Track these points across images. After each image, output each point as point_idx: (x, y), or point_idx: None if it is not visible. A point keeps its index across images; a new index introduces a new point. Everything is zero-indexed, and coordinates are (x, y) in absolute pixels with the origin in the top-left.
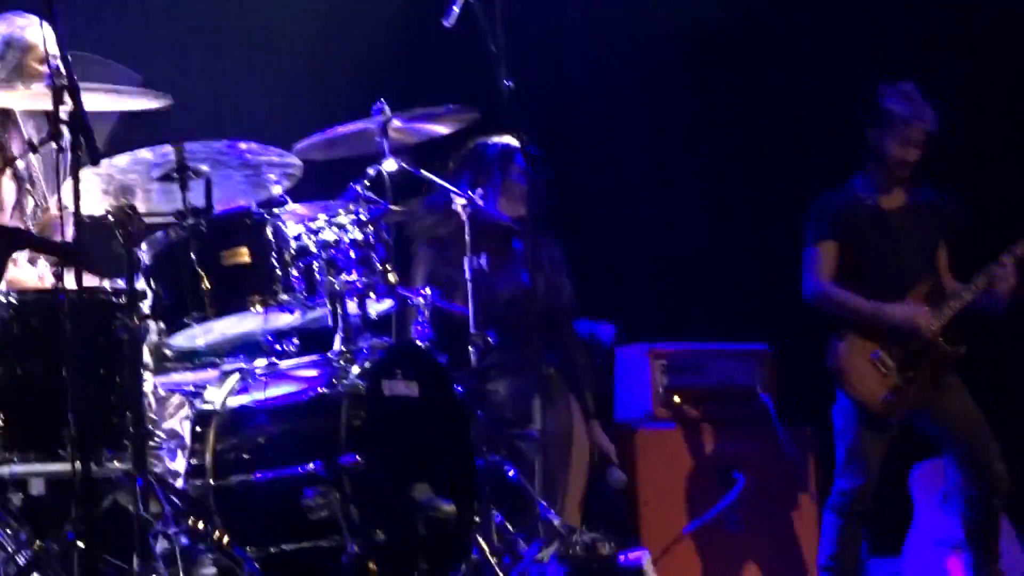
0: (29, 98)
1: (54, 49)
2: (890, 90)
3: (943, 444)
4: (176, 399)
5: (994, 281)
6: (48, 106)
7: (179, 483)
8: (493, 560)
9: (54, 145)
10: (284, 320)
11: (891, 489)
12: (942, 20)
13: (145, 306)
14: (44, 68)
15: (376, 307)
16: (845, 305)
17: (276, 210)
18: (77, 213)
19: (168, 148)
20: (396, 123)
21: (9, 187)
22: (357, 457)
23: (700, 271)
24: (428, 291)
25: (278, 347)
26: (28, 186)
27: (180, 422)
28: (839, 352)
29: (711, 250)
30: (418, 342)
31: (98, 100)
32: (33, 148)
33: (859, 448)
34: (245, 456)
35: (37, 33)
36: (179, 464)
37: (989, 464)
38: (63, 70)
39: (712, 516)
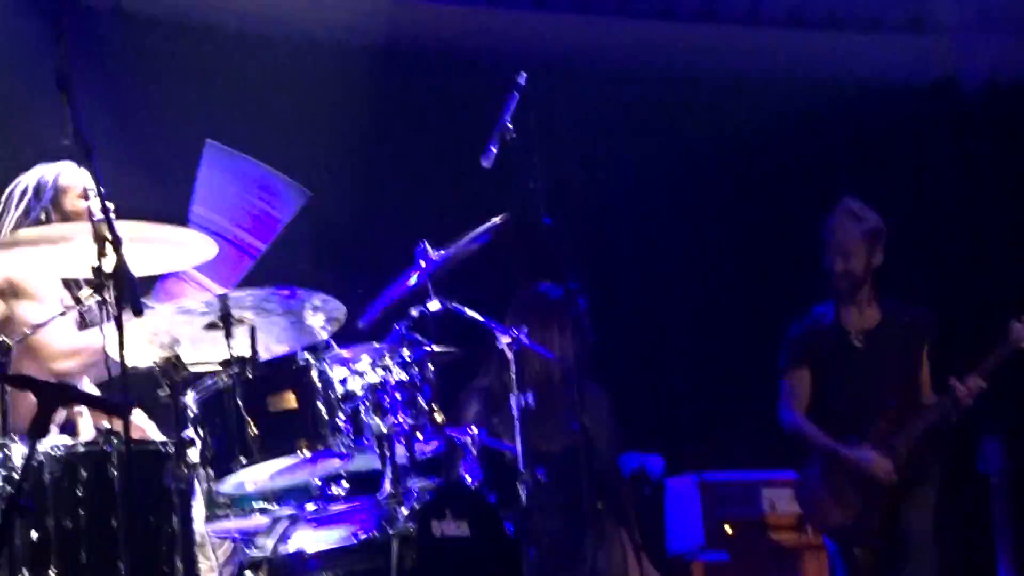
0: (75, 262)
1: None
2: (834, 208)
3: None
4: (226, 547)
5: (956, 402)
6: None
7: None
8: None
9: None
10: (332, 464)
11: None
12: None
13: (194, 454)
14: (84, 204)
15: (424, 448)
16: (809, 441)
17: (321, 354)
18: (123, 366)
19: (212, 297)
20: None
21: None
22: None
23: (747, 400)
24: (475, 430)
25: (327, 491)
26: None
27: (231, 571)
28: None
29: (758, 379)
30: (467, 482)
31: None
32: (77, 301)
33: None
34: None
35: (72, 174)
36: None
37: None
38: (105, 218)
39: None
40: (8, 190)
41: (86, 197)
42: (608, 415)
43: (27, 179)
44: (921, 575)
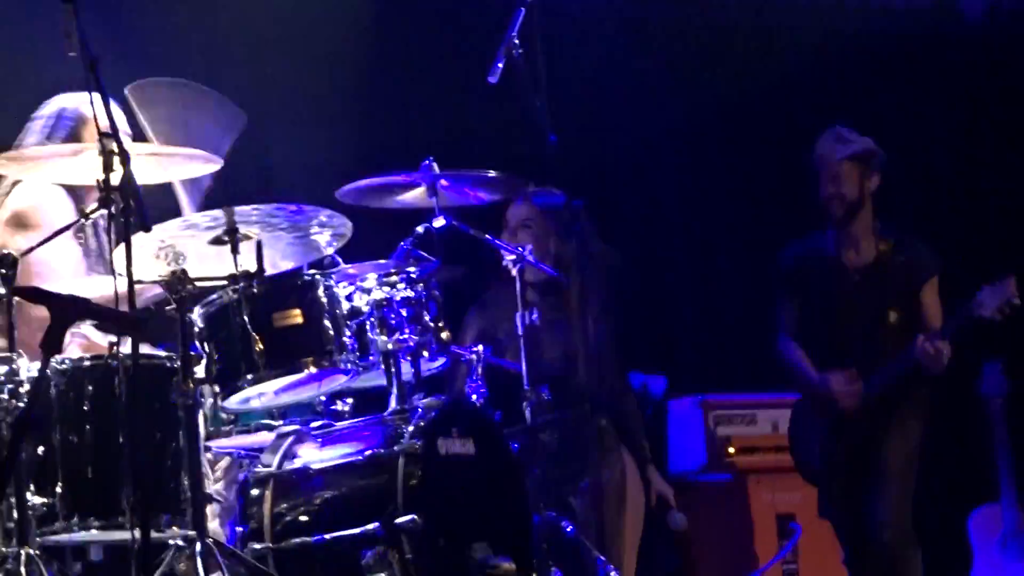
0: (80, 171)
1: (104, 116)
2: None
3: None
4: (224, 463)
5: (923, 359)
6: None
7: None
8: None
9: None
10: (337, 381)
11: (950, 535)
12: None
13: (199, 370)
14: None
15: (429, 365)
16: (790, 370)
17: (327, 270)
18: (130, 279)
19: (218, 212)
20: (443, 182)
21: (73, 253)
22: (414, 516)
23: (749, 320)
24: (480, 348)
25: (332, 408)
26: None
27: (225, 486)
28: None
29: (760, 298)
30: (472, 400)
31: (148, 170)
32: (84, 215)
33: None
34: (302, 518)
35: (90, 106)
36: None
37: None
38: (112, 130)
39: (770, 567)
40: (32, 116)
41: (106, 134)
42: (610, 328)
43: (49, 107)
44: (894, 507)
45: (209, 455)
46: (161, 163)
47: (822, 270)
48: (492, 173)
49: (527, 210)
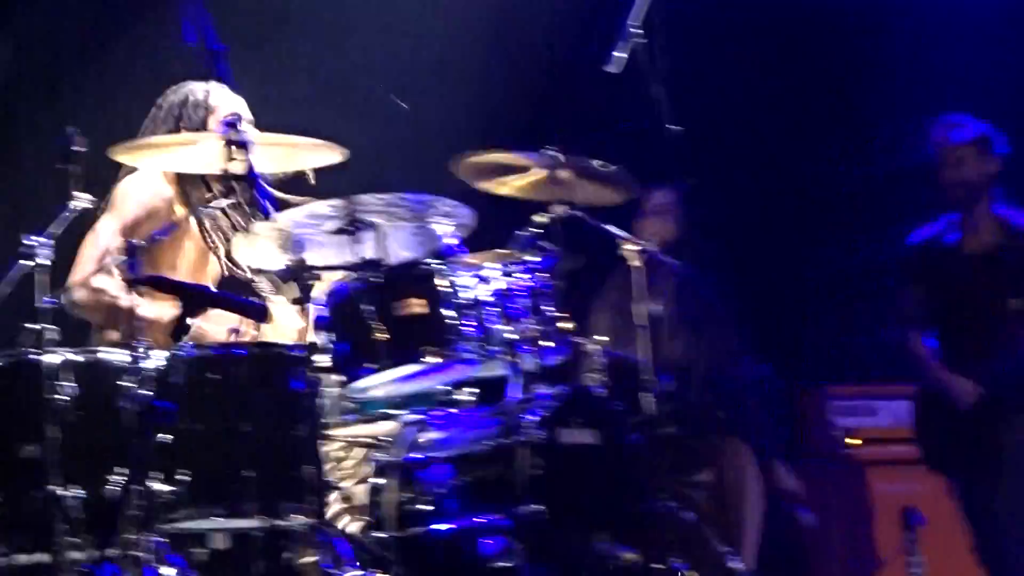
0: (203, 160)
1: (228, 107)
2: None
3: None
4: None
5: None
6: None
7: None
8: None
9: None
10: (459, 370)
11: None
12: None
13: (322, 359)
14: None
15: (550, 355)
16: (912, 359)
17: (448, 260)
18: (251, 268)
19: (340, 201)
20: (564, 173)
21: (191, 245)
22: (536, 507)
23: (869, 309)
24: (602, 338)
25: (454, 398)
26: (213, 243)
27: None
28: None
29: (879, 287)
30: (593, 390)
31: (275, 159)
32: (205, 204)
33: None
34: (426, 507)
35: (220, 96)
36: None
37: None
38: (235, 120)
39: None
40: (157, 102)
41: (231, 125)
42: (731, 322)
43: (176, 95)
44: (1015, 504)
45: (337, 445)
46: (285, 152)
47: (943, 257)
48: (613, 168)
49: (664, 195)
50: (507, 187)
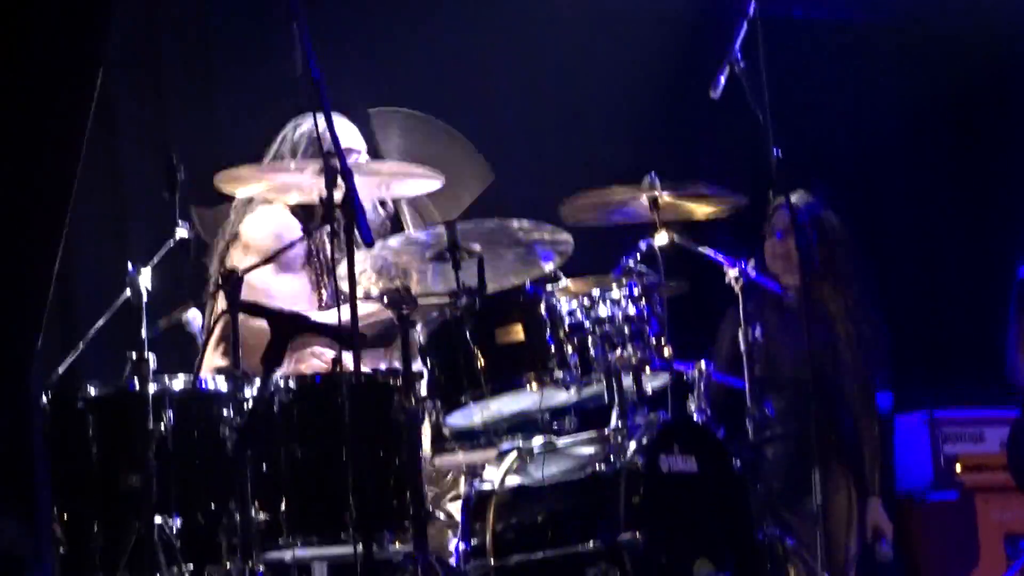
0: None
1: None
2: None
3: None
4: (449, 479)
5: None
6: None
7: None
8: None
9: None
10: (560, 397)
11: None
12: None
13: (422, 387)
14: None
15: (651, 382)
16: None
17: (549, 287)
18: (352, 296)
19: (440, 228)
20: (666, 197)
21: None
22: (637, 534)
23: (977, 334)
24: (703, 364)
25: (555, 424)
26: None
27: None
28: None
29: (988, 311)
30: (695, 416)
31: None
32: (307, 232)
33: None
34: (524, 535)
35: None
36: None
37: None
38: (336, 148)
39: None
40: (281, 134)
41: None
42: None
43: (296, 128)
44: None
45: (438, 473)
46: (385, 181)
47: None
48: (713, 186)
49: (783, 216)
50: (610, 219)
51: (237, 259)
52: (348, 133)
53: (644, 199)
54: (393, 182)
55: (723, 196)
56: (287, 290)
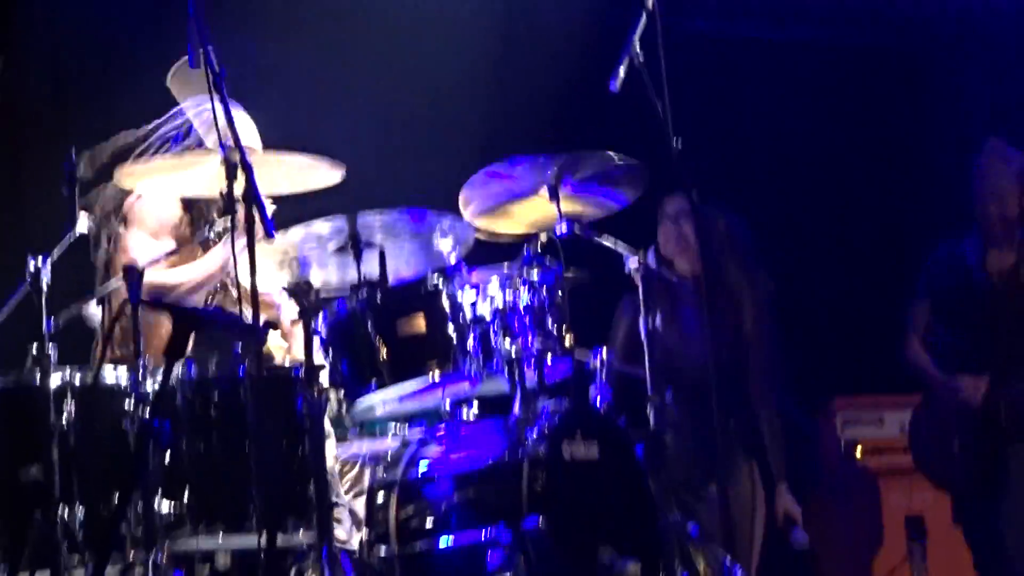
0: (202, 182)
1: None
2: (982, 147)
3: None
4: (352, 473)
5: None
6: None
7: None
8: None
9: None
10: (462, 387)
11: None
12: None
13: (324, 378)
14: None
15: (553, 371)
16: (918, 374)
17: (450, 278)
18: (253, 288)
19: (341, 220)
20: (567, 188)
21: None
22: (540, 521)
23: (876, 321)
24: (604, 353)
25: (457, 414)
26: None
27: (354, 497)
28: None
29: (887, 299)
30: (596, 404)
31: (276, 180)
32: (209, 225)
33: None
34: (428, 523)
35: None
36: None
37: None
38: (235, 142)
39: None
40: (154, 124)
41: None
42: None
43: (171, 116)
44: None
45: (337, 464)
46: (286, 173)
47: (964, 276)
48: (616, 159)
49: (679, 202)
50: (513, 220)
51: (133, 239)
52: (242, 123)
53: (543, 176)
54: (298, 175)
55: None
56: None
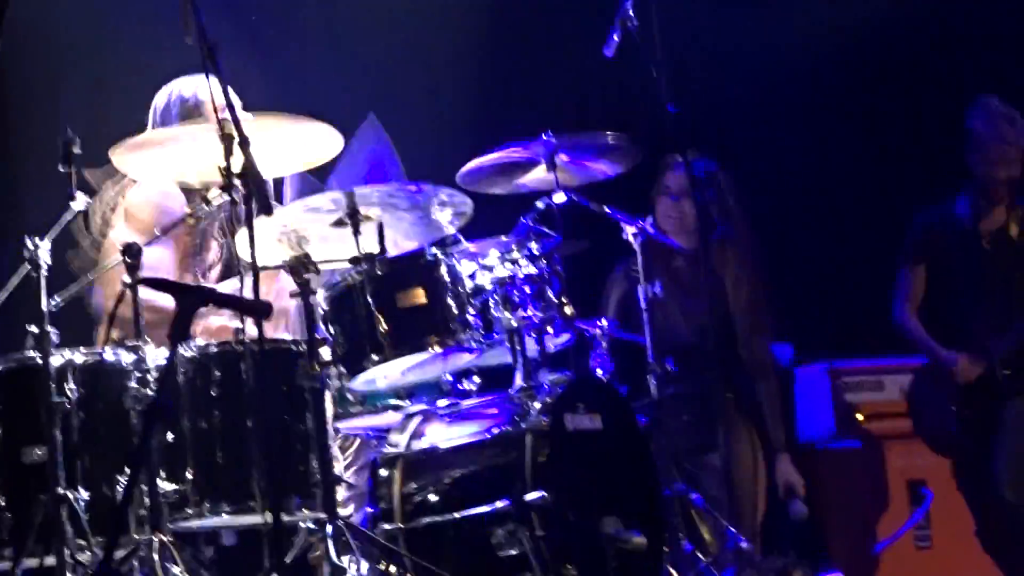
0: (199, 158)
1: (221, 101)
2: (974, 109)
3: None
4: (354, 447)
5: None
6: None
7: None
8: None
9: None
10: (463, 359)
11: None
12: None
13: (325, 353)
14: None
15: (554, 341)
16: (911, 340)
17: (449, 249)
18: (254, 264)
19: (339, 194)
20: (563, 156)
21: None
22: (543, 493)
23: (876, 285)
24: (605, 322)
25: (459, 386)
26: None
27: (356, 471)
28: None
29: (887, 263)
30: (598, 374)
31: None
32: (206, 201)
33: None
34: (432, 498)
35: (205, 90)
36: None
37: None
38: (232, 116)
39: (902, 534)
40: (153, 104)
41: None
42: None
43: (166, 93)
44: (1015, 462)
45: (338, 439)
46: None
47: (955, 238)
48: (610, 137)
49: (678, 174)
50: (511, 187)
51: (119, 230)
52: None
53: (541, 163)
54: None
55: (621, 150)
56: (152, 260)
